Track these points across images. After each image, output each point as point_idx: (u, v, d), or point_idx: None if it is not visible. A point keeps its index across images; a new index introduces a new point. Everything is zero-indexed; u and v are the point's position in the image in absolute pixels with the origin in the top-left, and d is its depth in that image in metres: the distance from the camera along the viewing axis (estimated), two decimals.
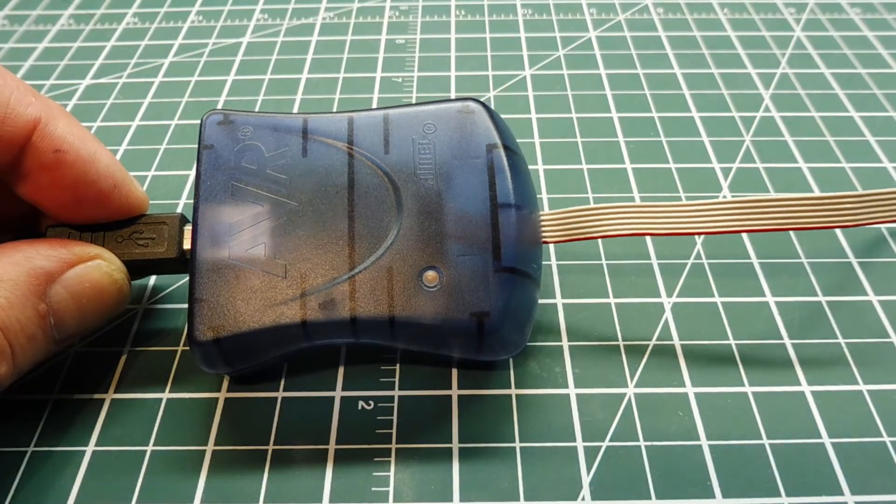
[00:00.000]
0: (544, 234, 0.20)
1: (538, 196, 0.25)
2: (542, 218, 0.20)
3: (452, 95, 0.30)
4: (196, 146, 0.28)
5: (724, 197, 0.25)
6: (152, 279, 0.23)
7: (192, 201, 0.26)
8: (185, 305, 0.22)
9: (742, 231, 0.20)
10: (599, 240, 0.24)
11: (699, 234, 0.20)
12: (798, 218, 0.19)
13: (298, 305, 0.17)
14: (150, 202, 0.25)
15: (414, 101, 0.30)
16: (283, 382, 0.20)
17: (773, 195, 0.20)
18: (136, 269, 0.19)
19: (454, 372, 0.20)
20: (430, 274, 0.18)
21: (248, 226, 0.18)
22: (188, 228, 0.19)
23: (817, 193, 0.20)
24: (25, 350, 0.17)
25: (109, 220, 0.19)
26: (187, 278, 0.21)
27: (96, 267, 0.18)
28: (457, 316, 0.17)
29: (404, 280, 0.18)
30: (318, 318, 0.17)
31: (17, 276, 0.17)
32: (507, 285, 0.18)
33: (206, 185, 0.19)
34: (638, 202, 0.25)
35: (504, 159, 0.19)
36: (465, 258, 0.18)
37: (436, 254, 0.18)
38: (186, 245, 0.19)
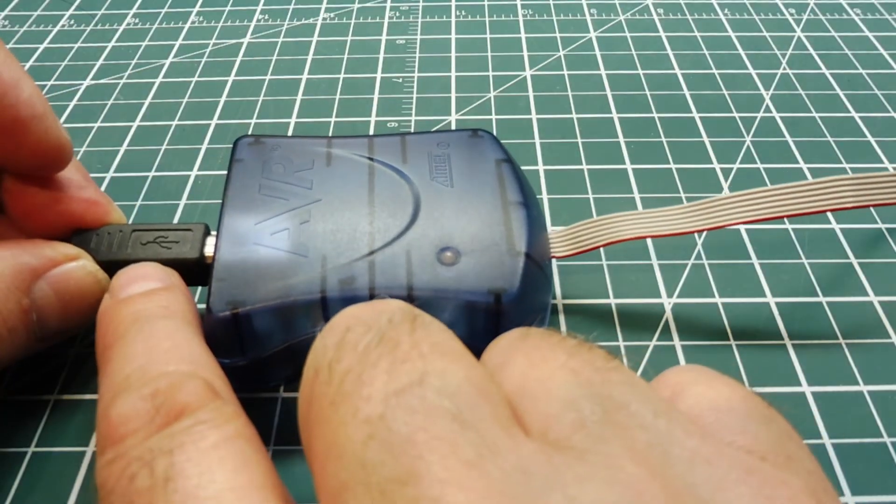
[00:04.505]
0: (553, 249, 0.21)
1: (539, 196, 0.25)
2: (550, 236, 0.21)
3: (453, 96, 0.30)
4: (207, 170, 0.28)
5: None
6: None
7: (193, 202, 0.26)
8: None
9: (742, 223, 0.20)
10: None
11: (700, 231, 0.20)
12: (795, 204, 0.20)
13: (319, 282, 0.18)
14: (151, 203, 0.26)
15: (414, 104, 0.30)
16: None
17: (769, 186, 0.20)
18: None
19: None
20: (448, 253, 0.18)
21: (273, 216, 0.19)
22: (210, 238, 0.20)
23: (811, 179, 0.20)
24: (5, 342, 0.17)
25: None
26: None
27: (81, 266, 0.18)
28: (475, 290, 0.18)
29: (422, 257, 0.18)
30: (338, 294, 0.18)
31: (3, 270, 0.17)
32: (521, 267, 0.18)
33: (235, 186, 0.20)
34: (640, 209, 0.25)
35: (512, 171, 0.20)
36: (480, 243, 0.18)
37: (452, 238, 0.19)
38: (208, 252, 0.19)
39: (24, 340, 0.17)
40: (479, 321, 0.18)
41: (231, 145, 0.21)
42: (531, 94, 0.31)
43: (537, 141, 0.28)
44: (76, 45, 0.34)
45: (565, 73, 0.32)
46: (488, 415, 0.09)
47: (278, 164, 0.21)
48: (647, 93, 0.31)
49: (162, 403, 0.13)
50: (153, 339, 0.15)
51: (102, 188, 0.26)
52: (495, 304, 0.18)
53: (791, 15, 0.36)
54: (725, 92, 0.31)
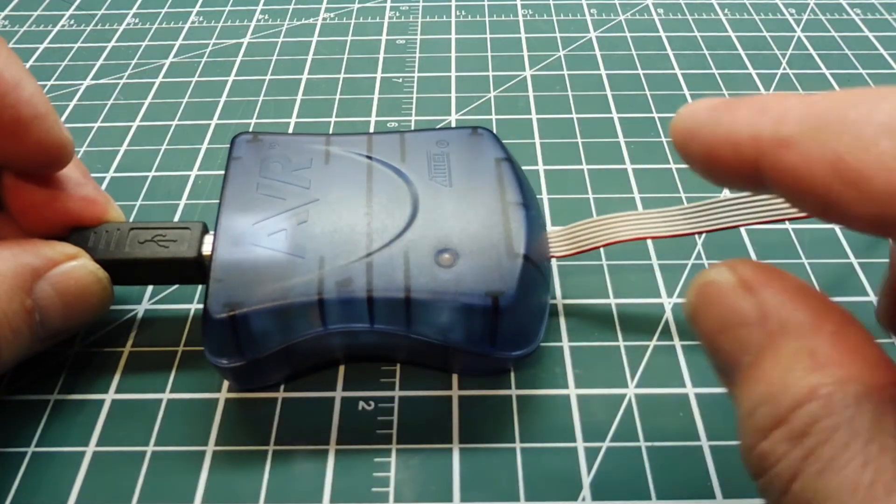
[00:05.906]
0: (552, 249, 0.21)
1: (539, 196, 0.25)
2: (549, 235, 0.21)
3: (453, 96, 0.30)
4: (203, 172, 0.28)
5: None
6: None
7: (193, 202, 0.26)
8: (186, 306, 0.22)
9: (742, 225, 0.20)
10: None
11: (700, 232, 0.20)
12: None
13: (316, 284, 0.18)
14: (151, 203, 0.26)
15: (414, 104, 0.30)
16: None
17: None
18: (155, 271, 0.20)
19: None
20: (446, 255, 0.18)
21: (271, 216, 0.19)
22: (209, 237, 0.19)
23: None
24: (10, 344, 0.17)
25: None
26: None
27: (81, 266, 0.18)
28: (473, 292, 0.18)
29: (420, 259, 0.18)
30: (335, 296, 0.18)
31: (4, 271, 0.17)
32: (519, 269, 0.18)
33: (233, 184, 0.20)
34: (640, 210, 0.25)
35: (512, 170, 0.20)
36: (479, 244, 0.18)
37: (450, 240, 0.19)
38: (206, 251, 0.19)
39: (27, 341, 0.17)
40: (477, 323, 0.18)
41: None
42: (531, 94, 0.31)
43: (537, 141, 0.28)
44: (76, 45, 0.34)
45: (565, 73, 0.32)
46: None
47: (276, 162, 0.20)
48: (647, 93, 0.31)
49: None
50: None
51: (102, 188, 0.26)
52: (493, 307, 0.18)
53: (791, 15, 0.36)
54: (725, 92, 0.30)
